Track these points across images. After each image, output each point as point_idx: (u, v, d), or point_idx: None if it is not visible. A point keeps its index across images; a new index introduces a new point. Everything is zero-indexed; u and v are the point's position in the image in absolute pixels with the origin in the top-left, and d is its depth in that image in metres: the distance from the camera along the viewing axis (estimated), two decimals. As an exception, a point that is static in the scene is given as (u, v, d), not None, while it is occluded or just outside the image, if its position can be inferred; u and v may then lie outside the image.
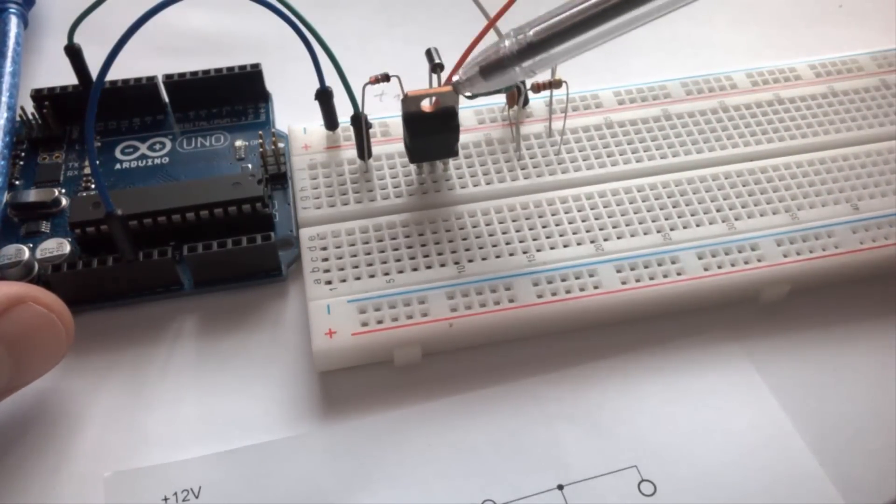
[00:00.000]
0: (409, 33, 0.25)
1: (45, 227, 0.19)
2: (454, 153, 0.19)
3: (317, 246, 0.18)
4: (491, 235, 0.18)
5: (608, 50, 0.24)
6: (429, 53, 0.19)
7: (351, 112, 0.19)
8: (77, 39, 0.19)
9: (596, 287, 0.17)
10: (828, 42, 0.25)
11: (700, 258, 0.18)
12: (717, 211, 0.19)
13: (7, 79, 0.20)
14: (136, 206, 0.17)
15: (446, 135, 0.18)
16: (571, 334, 0.17)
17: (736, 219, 0.19)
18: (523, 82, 0.19)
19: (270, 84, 0.22)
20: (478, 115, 0.21)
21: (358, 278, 0.17)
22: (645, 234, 0.18)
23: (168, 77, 0.21)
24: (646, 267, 0.18)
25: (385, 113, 0.20)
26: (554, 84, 0.19)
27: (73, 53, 0.20)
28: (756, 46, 0.25)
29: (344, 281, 0.17)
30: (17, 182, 0.20)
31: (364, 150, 0.19)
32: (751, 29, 0.26)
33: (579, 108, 0.21)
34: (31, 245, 0.18)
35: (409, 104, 0.18)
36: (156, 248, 0.17)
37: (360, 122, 0.19)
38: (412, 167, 0.19)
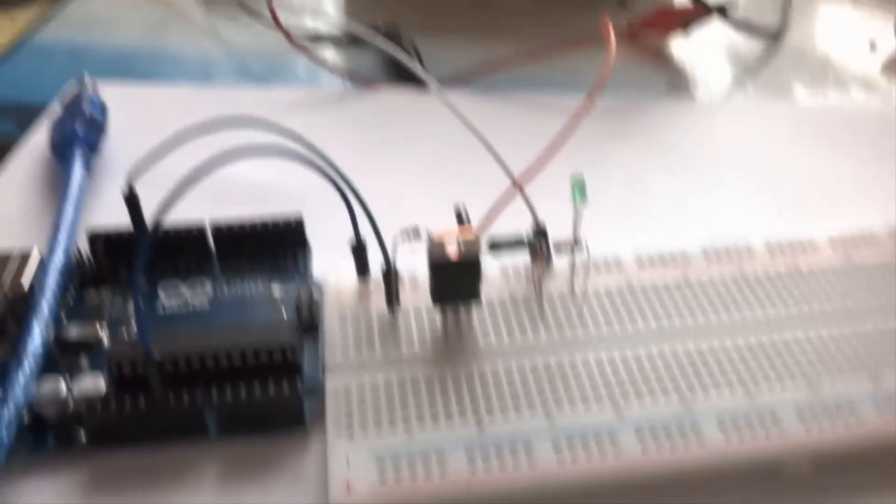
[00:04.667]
0: (440, 187, 0.27)
1: (84, 362, 0.19)
2: (476, 296, 0.20)
3: (341, 396, 0.18)
4: (512, 395, 0.18)
5: (632, 213, 0.25)
6: (457, 211, 0.20)
7: (382, 261, 0.20)
8: (136, 183, 0.21)
9: (616, 453, 0.17)
10: (845, 214, 0.26)
11: (720, 427, 0.18)
12: (738, 379, 0.19)
13: (67, 223, 0.22)
14: (173, 348, 0.18)
15: (469, 280, 0.19)
16: (589, 500, 0.17)
17: (756, 388, 0.19)
18: (548, 244, 0.20)
19: (308, 229, 0.23)
20: (503, 270, 0.22)
21: (379, 431, 0.17)
22: (665, 399, 0.18)
23: (215, 225, 0.22)
24: (666, 435, 0.18)
25: (415, 257, 0.21)
26: (576, 245, 0.20)
27: (131, 201, 0.21)
28: (774, 215, 0.26)
29: (365, 434, 0.17)
30: (63, 317, 0.21)
31: (393, 300, 0.20)
32: (770, 199, 0.27)
33: (601, 268, 0.22)
34: (70, 379, 0.19)
35: (435, 251, 0.18)
36: (185, 388, 0.18)
37: (390, 276, 0.20)
38: (437, 318, 0.20)
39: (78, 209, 0.23)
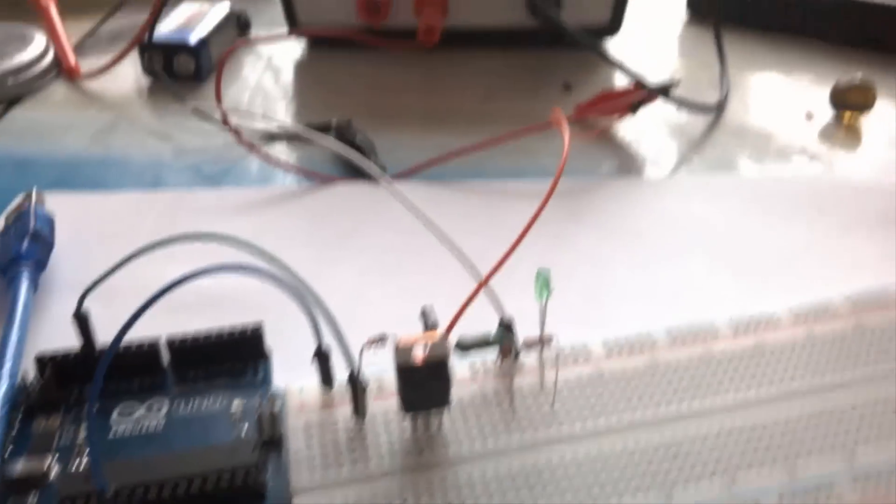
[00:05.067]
0: (402, 282, 0.26)
1: (33, 498, 0.18)
2: (447, 402, 0.19)
3: (311, 518, 0.17)
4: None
5: (595, 297, 0.25)
6: (423, 312, 0.19)
7: (347, 368, 0.19)
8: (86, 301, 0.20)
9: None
10: (801, 283, 0.26)
11: (703, 521, 0.17)
12: (716, 468, 0.19)
13: (12, 347, 0.21)
14: (128, 479, 0.17)
15: (438, 383, 0.19)
16: None
17: (734, 477, 0.18)
18: (514, 338, 0.20)
19: (269, 339, 0.22)
20: (471, 367, 0.21)
21: (353, 555, 0.17)
22: (646, 495, 0.18)
23: (170, 340, 0.21)
24: (649, 534, 0.17)
25: (381, 361, 0.21)
26: (544, 340, 0.19)
27: (81, 321, 0.20)
28: (734, 290, 0.26)
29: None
30: (9, 449, 0.19)
31: (360, 408, 0.19)
32: (728, 273, 0.27)
33: (569, 359, 0.22)
34: (17, 521, 0.17)
35: (402, 354, 0.18)
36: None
37: (356, 385, 0.19)
38: (407, 423, 0.19)
39: (23, 332, 0.22)
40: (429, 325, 0.19)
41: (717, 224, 0.29)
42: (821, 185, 0.32)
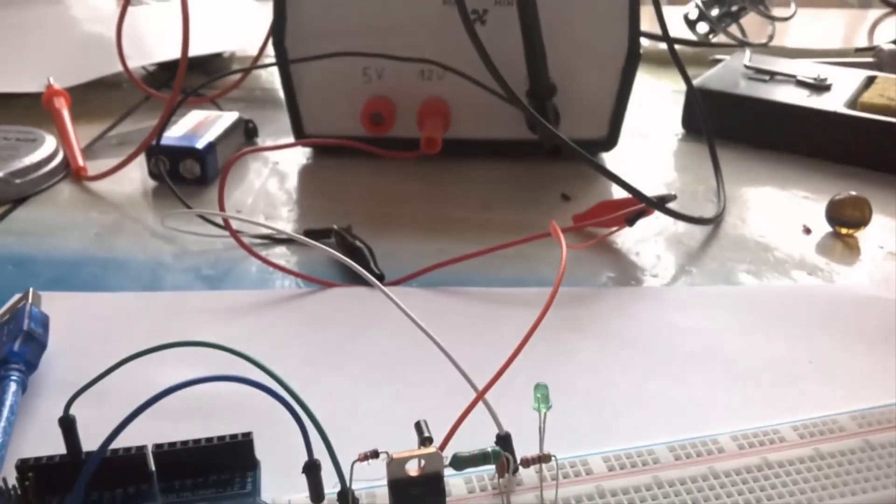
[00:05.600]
0: (397, 389, 0.26)
1: None
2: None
3: None
4: None
5: (595, 409, 0.25)
6: (418, 426, 0.19)
7: (338, 483, 0.18)
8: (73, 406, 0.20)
9: None
10: (804, 398, 0.26)
11: None
12: None
13: (-6, 452, 0.20)
14: None
15: (432, 500, 0.18)
16: None
17: None
18: (512, 454, 0.20)
19: (259, 448, 0.22)
20: (467, 482, 0.20)
21: None
22: None
23: (157, 447, 0.21)
24: None
25: (373, 473, 0.20)
26: (543, 458, 0.19)
27: (67, 425, 0.20)
28: (736, 404, 0.26)
29: None
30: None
31: (350, 525, 0.19)
32: (729, 386, 0.26)
33: (570, 475, 0.21)
34: None
35: (395, 468, 0.17)
36: None
37: (346, 499, 0.18)
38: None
39: (7, 436, 0.21)
40: (423, 439, 0.18)
41: (717, 335, 0.29)
42: (821, 298, 0.32)
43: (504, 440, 0.20)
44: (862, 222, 0.37)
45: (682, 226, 0.38)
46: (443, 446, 0.19)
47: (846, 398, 0.25)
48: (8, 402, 0.22)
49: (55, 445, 0.20)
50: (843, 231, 0.37)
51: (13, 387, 0.23)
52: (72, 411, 0.20)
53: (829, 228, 0.37)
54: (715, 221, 0.38)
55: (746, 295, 0.32)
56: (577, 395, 0.26)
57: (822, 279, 0.33)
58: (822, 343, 0.29)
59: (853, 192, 0.37)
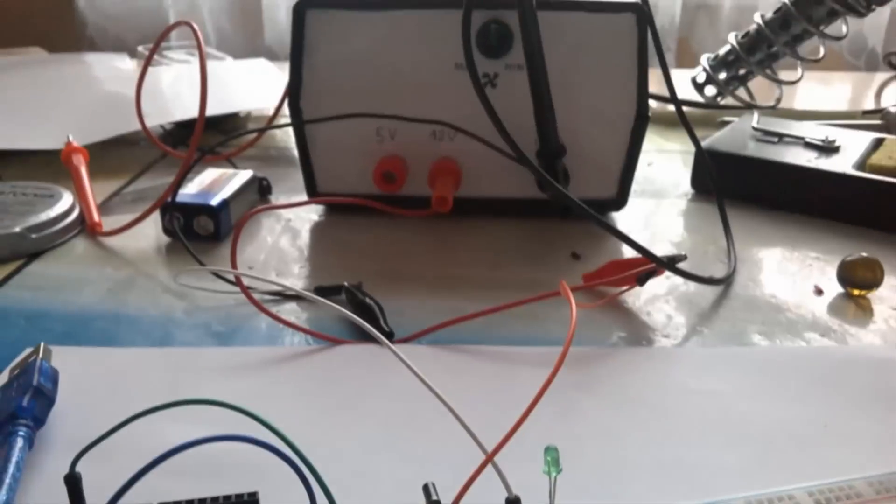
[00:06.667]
0: (405, 449, 0.26)
1: None
2: None
3: None
4: None
5: (605, 473, 0.24)
6: (426, 489, 0.19)
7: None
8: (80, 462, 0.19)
9: None
10: (820, 462, 0.25)
11: None
12: None
13: (-2, 510, 0.20)
14: None
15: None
16: None
17: None
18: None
19: (264, 508, 0.21)
20: (475, 547, 0.20)
21: None
22: None
23: (162, 506, 0.20)
24: None
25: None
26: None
27: (72, 483, 0.20)
28: (748, 467, 0.25)
29: None
30: None
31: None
32: (743, 450, 0.26)
33: (580, 540, 0.20)
34: None
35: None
36: None
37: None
38: None
39: (11, 494, 0.21)
40: (431, 502, 0.18)
41: (729, 398, 0.29)
42: (834, 360, 0.31)
43: (514, 504, 0.19)
44: (874, 283, 0.37)
45: (692, 286, 0.38)
46: (451, 509, 0.19)
47: (862, 463, 0.25)
48: (14, 459, 0.22)
49: (61, 503, 0.20)
50: (856, 292, 0.37)
51: (20, 442, 0.23)
52: (78, 468, 0.20)
53: (840, 289, 0.37)
54: (726, 282, 0.38)
55: (759, 356, 0.32)
56: (587, 457, 0.25)
57: (835, 341, 0.33)
58: (837, 406, 0.28)
59: (864, 254, 0.37)
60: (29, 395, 0.24)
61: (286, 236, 0.43)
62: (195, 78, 0.42)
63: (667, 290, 0.37)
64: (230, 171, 0.46)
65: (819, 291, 0.37)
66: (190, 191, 0.43)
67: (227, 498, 0.21)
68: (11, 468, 0.22)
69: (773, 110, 0.67)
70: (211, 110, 0.47)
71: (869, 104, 0.78)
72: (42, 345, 0.28)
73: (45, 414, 0.25)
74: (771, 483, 0.23)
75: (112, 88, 0.62)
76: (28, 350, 0.29)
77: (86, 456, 0.19)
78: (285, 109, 0.44)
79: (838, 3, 0.62)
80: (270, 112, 0.56)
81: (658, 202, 0.49)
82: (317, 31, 0.42)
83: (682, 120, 0.44)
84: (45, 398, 0.25)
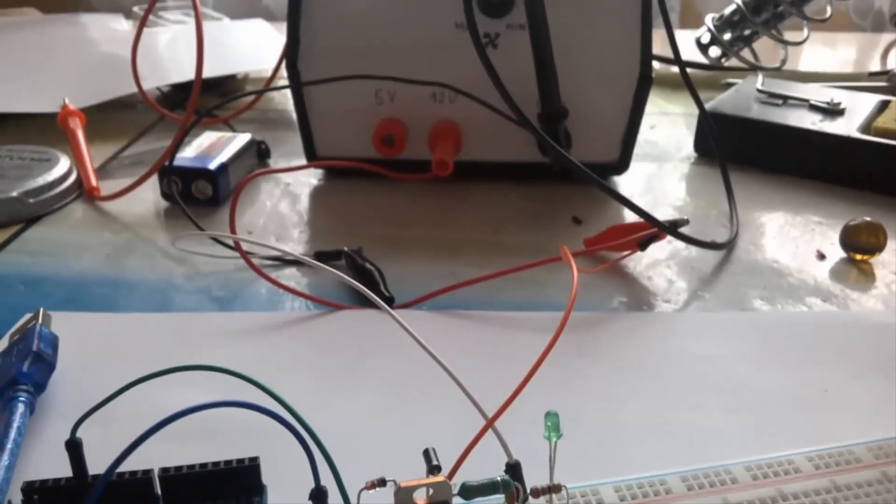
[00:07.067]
0: (405, 414, 0.26)
1: None
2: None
3: None
4: None
5: (606, 437, 0.24)
6: (426, 454, 0.19)
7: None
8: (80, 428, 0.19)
9: None
10: (820, 427, 0.25)
11: None
12: None
13: (1, 473, 0.20)
14: None
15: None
16: None
17: None
18: (522, 484, 0.19)
19: (265, 473, 0.21)
20: (476, 511, 0.20)
21: None
22: None
23: (164, 471, 0.20)
24: None
25: (381, 501, 0.20)
26: (553, 489, 0.18)
27: (73, 448, 0.20)
28: (749, 432, 0.25)
29: None
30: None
31: (356, 553, 0.18)
32: (743, 415, 0.26)
33: (580, 505, 0.21)
34: None
35: (403, 497, 0.17)
36: None
37: (353, 528, 0.18)
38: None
39: (13, 458, 0.21)
40: (431, 467, 0.18)
41: (731, 363, 0.29)
42: (836, 326, 0.31)
43: (514, 469, 0.19)
44: (877, 248, 0.36)
45: (694, 250, 0.37)
46: (451, 475, 0.19)
47: (862, 428, 0.25)
48: (15, 424, 0.22)
49: (62, 468, 0.20)
50: (858, 257, 0.37)
51: (21, 408, 0.23)
52: (79, 433, 0.20)
53: (843, 254, 0.37)
54: (728, 246, 0.38)
55: (760, 322, 0.32)
56: (587, 422, 0.25)
57: (837, 306, 0.33)
58: (838, 371, 0.28)
59: (868, 218, 0.36)
60: (29, 361, 0.24)
61: (285, 200, 0.43)
62: (192, 39, 0.41)
63: (668, 254, 0.37)
64: (228, 134, 0.46)
65: (821, 256, 0.37)
66: (188, 154, 0.42)
67: (227, 462, 0.21)
68: (13, 433, 0.22)
69: (778, 72, 0.66)
70: (208, 72, 0.46)
71: (874, 66, 0.77)
72: (41, 310, 0.27)
73: (46, 379, 0.25)
74: (770, 447, 0.23)
75: (108, 50, 0.61)
76: (27, 315, 0.29)
77: (86, 421, 0.19)
78: (283, 71, 0.44)
79: (847, -39, 0.60)
80: (268, 74, 0.55)
81: (660, 166, 0.49)
82: (314, -9, 0.41)
83: (686, 82, 0.44)
84: (45, 364, 0.25)
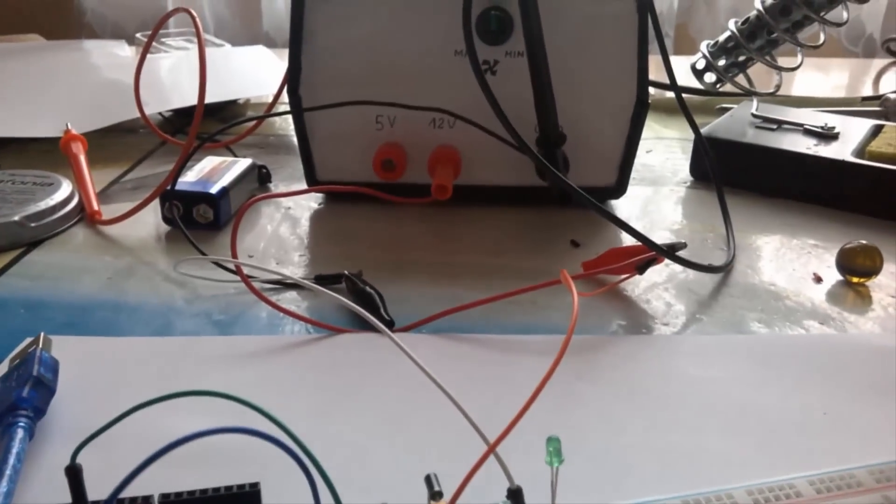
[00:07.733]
0: (406, 438, 0.26)
1: None
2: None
3: None
4: None
5: (607, 461, 0.24)
6: (428, 480, 0.19)
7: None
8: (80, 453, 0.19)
9: None
10: (820, 450, 0.25)
11: None
12: None
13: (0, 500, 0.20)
14: None
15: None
16: None
17: None
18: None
19: (266, 499, 0.21)
20: (477, 536, 0.20)
21: None
22: None
23: (164, 497, 0.20)
24: None
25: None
26: None
27: (73, 474, 0.20)
28: (749, 456, 0.25)
29: None
30: None
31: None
32: (742, 438, 0.26)
33: (581, 529, 0.21)
34: None
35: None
36: None
37: (355, 552, 0.18)
38: None
39: (12, 485, 0.21)
40: (433, 493, 0.18)
41: (730, 386, 0.29)
42: (834, 349, 0.31)
43: (516, 495, 0.19)
44: (873, 271, 0.37)
45: (691, 274, 0.38)
46: (453, 501, 0.19)
47: (863, 451, 0.25)
48: (14, 450, 0.22)
49: (62, 494, 0.20)
50: (855, 280, 0.37)
51: (20, 433, 0.23)
52: (79, 459, 0.20)
53: (839, 277, 0.37)
54: (725, 270, 0.38)
55: (758, 344, 0.32)
56: (588, 446, 0.25)
57: (835, 329, 0.33)
58: (837, 394, 0.28)
59: (863, 241, 0.37)
60: (29, 386, 0.24)
61: (286, 224, 0.43)
62: (194, 65, 0.42)
63: (666, 277, 0.37)
64: (229, 158, 0.46)
65: (818, 279, 0.37)
66: (189, 179, 0.42)
67: (228, 488, 0.21)
68: (12, 459, 0.22)
69: (773, 97, 0.67)
70: (210, 98, 0.46)
71: (867, 91, 0.77)
72: (42, 334, 0.28)
73: (46, 404, 0.25)
74: (771, 471, 0.23)
75: (111, 76, 0.62)
76: (28, 340, 0.29)
77: (87, 447, 0.19)
78: (284, 97, 0.44)
79: (839, -12, 0.61)
80: (269, 99, 0.55)
81: (657, 190, 0.49)
82: (316, 18, 0.41)
83: (682, 107, 0.44)
84: (45, 388, 0.25)
